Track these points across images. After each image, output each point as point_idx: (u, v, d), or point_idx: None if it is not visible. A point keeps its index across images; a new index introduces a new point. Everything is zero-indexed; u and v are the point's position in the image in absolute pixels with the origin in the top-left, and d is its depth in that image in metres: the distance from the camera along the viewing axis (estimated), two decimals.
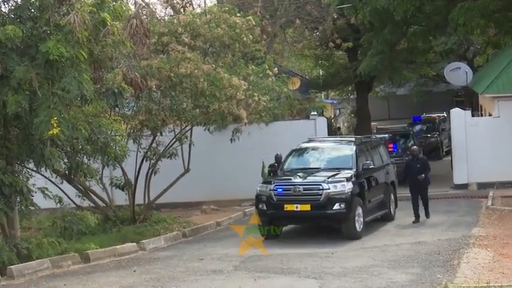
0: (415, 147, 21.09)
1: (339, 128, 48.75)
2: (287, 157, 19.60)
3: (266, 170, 21.33)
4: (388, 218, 19.94)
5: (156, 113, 19.89)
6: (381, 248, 15.86)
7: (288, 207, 17.43)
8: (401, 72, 36.88)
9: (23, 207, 15.72)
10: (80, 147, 16.83)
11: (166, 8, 31.69)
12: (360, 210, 17.54)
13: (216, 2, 30.89)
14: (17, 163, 16.18)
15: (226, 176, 25.12)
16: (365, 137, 21.83)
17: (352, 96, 47.50)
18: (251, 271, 14.02)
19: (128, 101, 18.94)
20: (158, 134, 20.78)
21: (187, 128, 21.91)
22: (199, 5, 32.86)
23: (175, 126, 21.42)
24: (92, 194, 20.50)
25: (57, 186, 18.96)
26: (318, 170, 18.58)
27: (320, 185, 17.29)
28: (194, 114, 20.16)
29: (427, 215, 19.56)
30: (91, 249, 16.40)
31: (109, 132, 16.41)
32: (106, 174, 20.67)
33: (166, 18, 26.92)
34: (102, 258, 16.22)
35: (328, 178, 17.50)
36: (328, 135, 27.35)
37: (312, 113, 29.26)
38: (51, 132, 13.56)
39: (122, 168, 20.30)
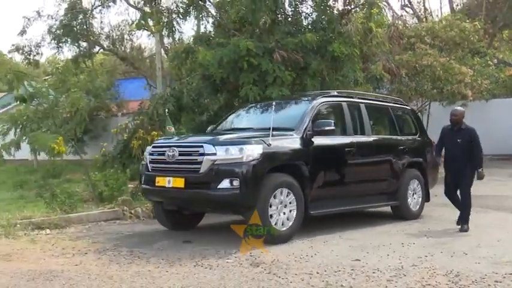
0: (458, 108, 12.82)
1: None
2: (231, 113, 14.30)
3: (172, 127, 14.58)
4: (401, 212, 13.76)
5: (404, 93, 22.62)
6: None
7: (160, 181, 11.46)
8: None
9: None
10: None
11: (413, 18, 34.91)
12: (283, 196, 11.08)
13: (450, 12, 33.50)
14: None
15: None
16: (359, 94, 14.34)
17: None
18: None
19: (385, 84, 21.36)
20: None
21: (426, 103, 25.49)
22: (437, 15, 36.22)
23: (417, 102, 25.07)
24: None
25: None
26: (245, 130, 12.39)
27: (201, 146, 10.98)
28: (432, 93, 23.31)
29: (462, 223, 12.09)
30: None
31: None
32: None
33: (413, 25, 28.76)
34: None
35: (221, 138, 11.29)
36: None
37: None
38: None
39: None
